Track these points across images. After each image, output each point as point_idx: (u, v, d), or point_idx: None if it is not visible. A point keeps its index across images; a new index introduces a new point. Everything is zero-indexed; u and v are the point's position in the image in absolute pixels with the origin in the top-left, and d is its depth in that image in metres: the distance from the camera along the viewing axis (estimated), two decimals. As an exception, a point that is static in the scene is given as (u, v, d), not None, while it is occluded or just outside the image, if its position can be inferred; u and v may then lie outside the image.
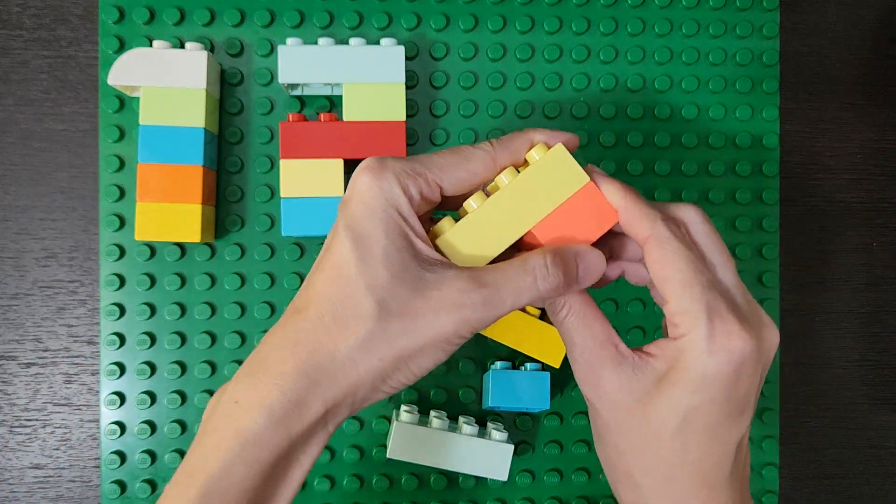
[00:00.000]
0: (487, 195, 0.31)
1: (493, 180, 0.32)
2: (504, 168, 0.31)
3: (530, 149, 0.31)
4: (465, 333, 0.28)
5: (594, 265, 0.30)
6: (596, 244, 0.32)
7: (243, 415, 0.28)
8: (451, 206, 0.33)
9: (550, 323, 0.40)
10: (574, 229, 0.31)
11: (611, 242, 0.33)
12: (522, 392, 0.41)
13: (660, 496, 0.30)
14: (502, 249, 0.31)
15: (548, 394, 0.41)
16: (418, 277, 0.28)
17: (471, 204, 0.31)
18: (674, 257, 0.29)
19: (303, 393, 0.28)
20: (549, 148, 0.31)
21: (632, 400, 0.29)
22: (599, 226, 0.31)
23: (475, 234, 0.31)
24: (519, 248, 0.32)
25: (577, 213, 0.31)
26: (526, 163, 0.31)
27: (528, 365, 0.42)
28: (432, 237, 0.31)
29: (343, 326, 0.28)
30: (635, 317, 0.45)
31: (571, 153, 0.31)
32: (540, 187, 0.31)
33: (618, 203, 0.30)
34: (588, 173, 0.31)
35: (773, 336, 0.30)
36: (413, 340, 0.28)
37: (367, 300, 0.28)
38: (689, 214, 0.31)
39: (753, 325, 0.29)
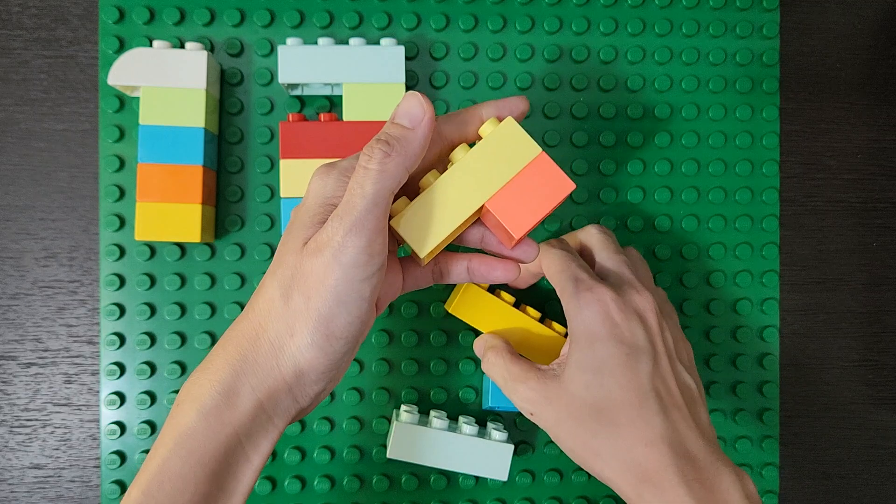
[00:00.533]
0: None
1: (448, 150, 0.32)
2: (454, 143, 0.32)
3: (482, 124, 0.32)
4: (350, 261, 0.28)
5: (407, 107, 0.30)
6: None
7: (179, 412, 0.29)
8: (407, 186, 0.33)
9: (550, 326, 0.41)
10: (529, 200, 0.31)
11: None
12: None
13: (608, 446, 0.33)
14: (457, 225, 0.31)
15: None
16: (304, 242, 0.29)
17: (425, 182, 0.31)
18: (550, 256, 0.37)
19: (230, 383, 0.28)
20: (500, 121, 0.31)
21: (556, 387, 0.34)
22: (554, 195, 0.31)
23: (430, 212, 0.31)
24: (477, 225, 0.33)
25: (531, 184, 0.31)
26: (479, 139, 0.32)
27: None
28: (389, 219, 0.31)
29: (266, 314, 0.29)
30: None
31: (521, 119, 0.32)
32: (492, 161, 0.31)
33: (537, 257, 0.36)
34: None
35: (640, 295, 0.35)
36: (306, 297, 0.28)
37: (273, 282, 0.29)
38: (589, 229, 0.40)
39: (617, 286, 0.35)
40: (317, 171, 0.31)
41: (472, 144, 0.32)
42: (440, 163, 0.33)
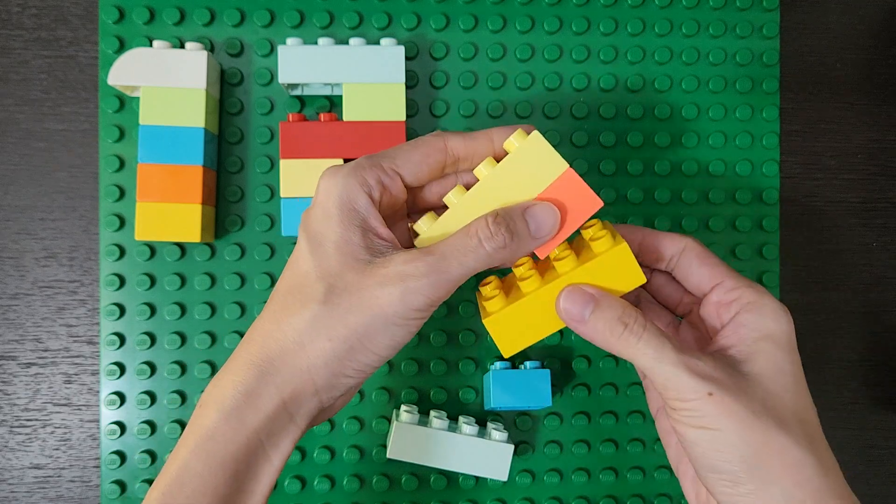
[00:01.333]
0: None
1: (452, 165, 0.32)
2: (458, 158, 0.31)
3: (491, 144, 0.32)
4: (415, 304, 0.28)
5: (544, 218, 0.30)
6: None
7: (202, 413, 0.29)
8: (427, 202, 0.34)
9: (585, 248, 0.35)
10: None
11: None
12: (524, 391, 0.41)
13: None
14: None
15: (549, 391, 0.41)
16: (367, 261, 0.29)
17: (450, 199, 0.31)
18: (713, 254, 0.33)
19: (253, 384, 0.28)
20: (528, 135, 0.30)
21: (741, 379, 0.29)
22: (582, 212, 0.31)
23: (455, 229, 0.30)
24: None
25: (558, 201, 0.30)
26: (505, 154, 0.31)
27: (528, 364, 0.42)
28: (413, 237, 0.31)
29: (291, 314, 0.29)
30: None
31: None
32: (519, 176, 0.30)
33: (640, 235, 0.33)
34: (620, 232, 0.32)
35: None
36: (360, 315, 0.28)
37: (316, 286, 0.29)
38: (689, 242, 0.34)
39: None
40: (325, 173, 0.31)
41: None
42: (440, 174, 0.33)
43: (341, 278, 0.29)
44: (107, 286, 0.43)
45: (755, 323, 0.31)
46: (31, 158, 0.44)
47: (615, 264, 0.30)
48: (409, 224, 0.32)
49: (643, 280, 0.31)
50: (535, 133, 0.30)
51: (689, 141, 0.46)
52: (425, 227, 0.30)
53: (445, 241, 0.29)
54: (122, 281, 0.43)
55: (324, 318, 0.28)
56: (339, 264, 0.29)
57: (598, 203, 0.31)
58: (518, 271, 0.32)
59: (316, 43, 0.42)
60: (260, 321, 0.30)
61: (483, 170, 0.30)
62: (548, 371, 0.42)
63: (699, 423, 0.28)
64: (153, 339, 0.43)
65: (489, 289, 0.32)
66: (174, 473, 0.28)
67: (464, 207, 0.30)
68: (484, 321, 0.31)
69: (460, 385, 0.44)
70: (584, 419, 0.45)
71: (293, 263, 0.30)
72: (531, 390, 0.41)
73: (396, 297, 0.28)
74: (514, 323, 0.31)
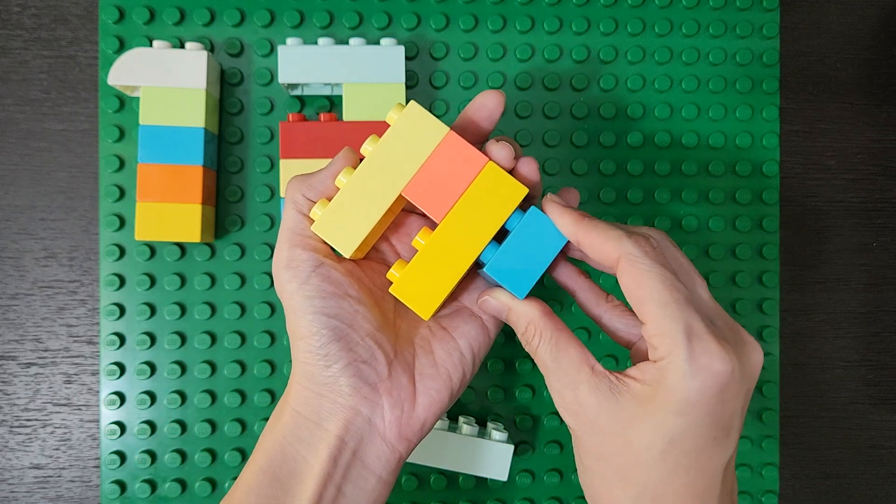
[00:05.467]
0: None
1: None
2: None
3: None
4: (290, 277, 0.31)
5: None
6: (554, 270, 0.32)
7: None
8: None
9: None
10: (445, 183, 0.31)
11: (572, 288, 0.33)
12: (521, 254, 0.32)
13: None
14: (377, 219, 0.31)
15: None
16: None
17: (340, 180, 0.31)
18: (648, 276, 0.28)
19: (281, 400, 0.32)
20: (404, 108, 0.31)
21: (613, 422, 0.28)
22: (469, 173, 0.31)
23: (348, 210, 0.30)
24: (401, 216, 0.33)
25: (445, 166, 0.31)
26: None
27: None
28: (310, 224, 0.31)
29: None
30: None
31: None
32: (403, 147, 0.31)
33: (573, 231, 0.30)
34: (544, 202, 0.31)
35: (755, 355, 0.29)
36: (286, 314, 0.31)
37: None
38: (655, 236, 0.30)
39: (734, 345, 0.28)
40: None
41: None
42: None
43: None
44: (107, 286, 0.43)
45: (651, 374, 0.28)
46: (30, 158, 0.44)
47: (490, 186, 0.30)
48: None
49: (524, 191, 0.30)
50: (412, 103, 0.31)
51: (689, 141, 0.46)
52: (319, 212, 0.31)
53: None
54: (122, 281, 0.43)
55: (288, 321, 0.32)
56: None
57: (483, 159, 0.31)
58: (415, 242, 0.32)
59: (316, 43, 0.42)
60: None
61: (368, 147, 0.31)
62: (511, 446, 0.41)
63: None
64: (153, 339, 0.43)
65: (394, 268, 0.32)
66: (235, 484, 0.32)
67: (354, 186, 0.31)
68: (390, 291, 0.31)
69: (460, 385, 0.44)
70: (584, 419, 0.45)
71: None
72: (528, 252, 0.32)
73: (275, 280, 0.31)
74: (418, 282, 0.31)
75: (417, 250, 0.31)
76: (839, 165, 0.48)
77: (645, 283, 0.28)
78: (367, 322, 0.31)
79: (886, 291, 0.48)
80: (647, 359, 0.28)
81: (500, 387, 0.45)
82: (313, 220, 0.31)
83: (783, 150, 0.47)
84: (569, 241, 0.31)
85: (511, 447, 0.41)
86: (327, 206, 0.31)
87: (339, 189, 0.31)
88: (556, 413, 0.45)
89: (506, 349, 0.45)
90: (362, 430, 0.30)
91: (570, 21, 0.45)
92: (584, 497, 0.45)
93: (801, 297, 0.47)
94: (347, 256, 0.31)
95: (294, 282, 0.30)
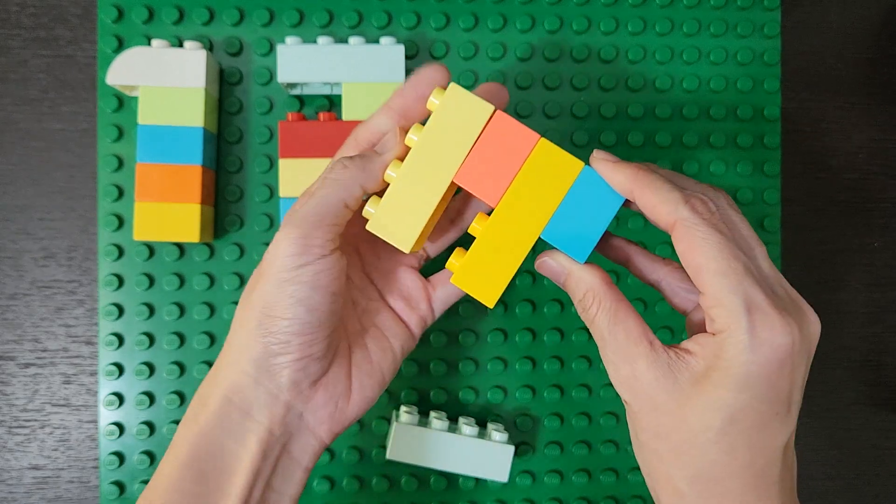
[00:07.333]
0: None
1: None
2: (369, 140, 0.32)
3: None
4: (289, 251, 0.29)
5: (376, 123, 0.33)
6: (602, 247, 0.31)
7: None
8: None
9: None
10: (497, 165, 0.30)
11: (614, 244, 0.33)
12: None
13: None
14: (432, 210, 0.30)
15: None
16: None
17: (389, 174, 0.30)
18: (704, 243, 0.26)
19: (203, 388, 0.32)
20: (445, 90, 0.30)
21: (670, 400, 0.27)
22: (521, 151, 0.30)
23: (402, 203, 0.30)
24: (457, 204, 0.33)
25: (495, 147, 0.30)
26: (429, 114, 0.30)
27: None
28: (365, 221, 0.30)
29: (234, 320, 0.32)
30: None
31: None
32: (448, 133, 0.29)
33: (629, 189, 0.28)
34: (593, 160, 0.30)
35: (815, 325, 0.27)
36: (254, 285, 0.30)
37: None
38: (714, 198, 0.28)
39: (794, 316, 0.27)
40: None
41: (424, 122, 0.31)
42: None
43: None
44: (105, 286, 0.43)
45: (709, 349, 0.27)
46: (29, 158, 0.43)
47: (544, 163, 0.30)
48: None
49: (580, 164, 0.30)
50: (453, 84, 0.30)
51: (689, 140, 0.45)
52: (372, 209, 0.30)
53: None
54: (121, 281, 0.43)
55: (240, 309, 0.30)
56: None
57: (535, 136, 0.30)
58: (472, 228, 0.31)
59: (315, 42, 0.42)
60: None
61: (413, 136, 0.30)
62: (511, 447, 0.41)
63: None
64: (152, 339, 0.43)
65: (453, 257, 0.31)
66: (153, 480, 0.30)
67: (404, 178, 0.30)
68: (452, 281, 0.30)
69: (460, 386, 0.44)
70: (585, 420, 0.45)
71: None
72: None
73: (272, 252, 0.29)
74: (480, 270, 0.30)
75: (474, 236, 0.30)
76: (840, 165, 0.47)
77: (701, 251, 0.26)
78: (334, 320, 0.30)
79: (888, 291, 0.48)
80: (704, 329, 0.28)
81: (501, 387, 0.44)
82: (352, 211, 0.30)
83: (784, 149, 0.47)
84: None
85: (511, 448, 0.41)
86: (379, 204, 0.30)
87: (387, 183, 0.30)
88: (557, 414, 0.45)
89: (506, 349, 0.44)
90: (293, 425, 0.30)
91: (571, 20, 0.45)
92: (584, 498, 0.45)
93: (803, 296, 0.47)
94: (406, 251, 0.30)
95: (298, 259, 0.29)
